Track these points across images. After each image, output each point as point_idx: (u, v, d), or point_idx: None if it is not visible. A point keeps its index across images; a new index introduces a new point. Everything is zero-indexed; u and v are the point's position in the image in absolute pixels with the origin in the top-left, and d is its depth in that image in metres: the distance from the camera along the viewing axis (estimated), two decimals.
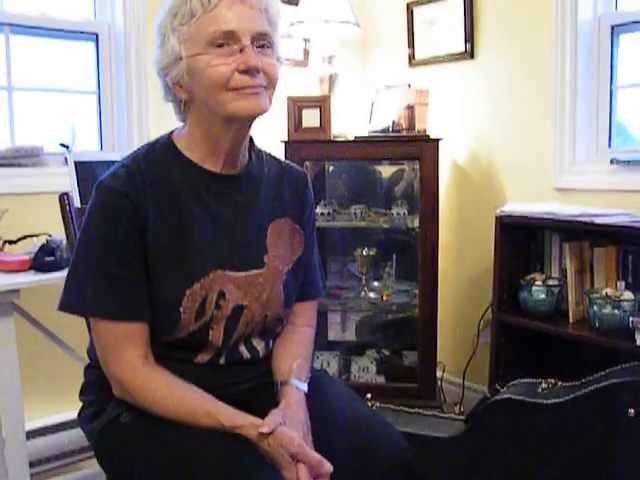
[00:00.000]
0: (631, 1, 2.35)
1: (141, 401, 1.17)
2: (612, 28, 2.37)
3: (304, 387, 1.28)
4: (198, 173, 1.24)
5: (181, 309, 1.19)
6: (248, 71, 1.13)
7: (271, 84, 1.19)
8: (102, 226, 1.17)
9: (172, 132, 1.28)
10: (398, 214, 2.64)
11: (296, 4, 2.71)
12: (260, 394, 1.29)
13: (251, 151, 1.32)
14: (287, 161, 1.44)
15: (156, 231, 1.18)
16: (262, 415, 1.15)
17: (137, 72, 2.53)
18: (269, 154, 1.40)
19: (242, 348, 1.29)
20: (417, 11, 2.91)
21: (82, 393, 1.34)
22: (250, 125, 1.23)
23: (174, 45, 1.16)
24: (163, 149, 1.25)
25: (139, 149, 1.26)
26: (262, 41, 1.16)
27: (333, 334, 2.93)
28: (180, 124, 1.28)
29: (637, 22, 2.32)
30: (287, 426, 1.14)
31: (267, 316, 1.30)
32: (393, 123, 2.58)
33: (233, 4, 1.13)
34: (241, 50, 1.13)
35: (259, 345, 1.32)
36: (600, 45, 2.39)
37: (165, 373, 1.19)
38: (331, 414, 1.26)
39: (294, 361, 1.31)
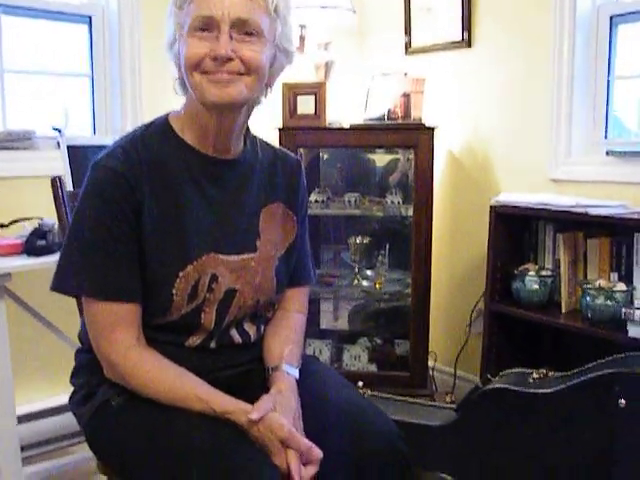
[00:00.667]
0: None
1: (133, 383, 1.17)
2: (611, 18, 2.36)
3: (295, 373, 1.28)
4: (193, 156, 1.24)
5: (173, 291, 1.18)
6: (217, 58, 1.13)
7: (250, 71, 1.17)
8: (97, 205, 1.16)
9: (169, 114, 1.28)
10: (392, 203, 2.64)
11: None
12: (251, 379, 1.29)
13: (246, 137, 1.32)
14: (281, 148, 1.44)
15: (151, 212, 1.18)
16: (253, 400, 1.16)
17: (131, 55, 2.51)
18: (263, 140, 1.40)
19: (233, 332, 1.29)
20: None
21: (73, 377, 1.33)
22: (234, 114, 1.22)
23: (171, 27, 1.20)
24: (159, 131, 1.25)
25: (135, 130, 1.26)
26: (245, 28, 1.15)
27: (325, 322, 2.93)
28: (176, 106, 1.28)
29: (636, 13, 2.30)
30: (277, 412, 1.14)
31: (259, 300, 1.30)
32: (389, 111, 2.56)
33: None
34: (217, 37, 1.14)
35: (250, 329, 1.32)
36: (599, 35, 2.38)
37: (157, 356, 1.19)
38: (323, 400, 1.25)
39: (285, 347, 1.31)
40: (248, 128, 1.33)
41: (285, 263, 1.36)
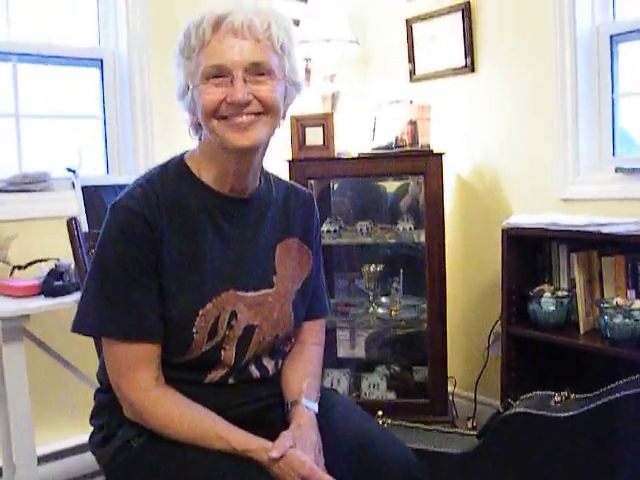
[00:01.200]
0: (628, 10, 2.35)
1: (153, 422, 1.17)
2: (611, 37, 2.38)
3: (315, 407, 1.28)
4: (210, 195, 1.25)
5: (194, 329, 1.19)
6: (233, 103, 1.16)
7: (268, 110, 1.19)
8: (118, 245, 1.17)
9: (184, 153, 1.30)
10: (404, 229, 2.64)
11: (297, 25, 2.73)
12: (270, 413, 1.29)
13: (261, 175, 1.34)
14: (293, 182, 1.46)
15: (170, 251, 1.19)
16: (273, 435, 1.16)
17: (142, 96, 2.55)
18: (276, 176, 1.41)
19: (252, 367, 1.29)
20: (417, 27, 2.93)
21: (93, 417, 1.34)
22: (253, 155, 1.24)
23: (182, 77, 1.22)
24: (176, 170, 1.27)
25: (152, 170, 1.28)
26: (258, 70, 1.18)
27: (342, 351, 2.92)
28: (188, 146, 1.31)
29: (634, 31, 2.33)
30: (298, 448, 1.14)
31: (278, 335, 1.31)
32: (396, 139, 2.58)
33: (224, 38, 1.16)
34: (232, 82, 1.16)
35: (269, 364, 1.32)
36: (600, 54, 2.40)
37: (177, 395, 1.19)
38: (341, 433, 1.25)
39: (304, 380, 1.32)
40: (262, 166, 1.35)
41: (302, 297, 1.36)
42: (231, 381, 1.25)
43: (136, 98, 2.55)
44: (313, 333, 1.43)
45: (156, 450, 1.17)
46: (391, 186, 2.95)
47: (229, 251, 1.26)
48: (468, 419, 2.60)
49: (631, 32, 2.34)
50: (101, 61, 2.57)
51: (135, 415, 1.19)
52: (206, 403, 1.19)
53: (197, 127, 1.27)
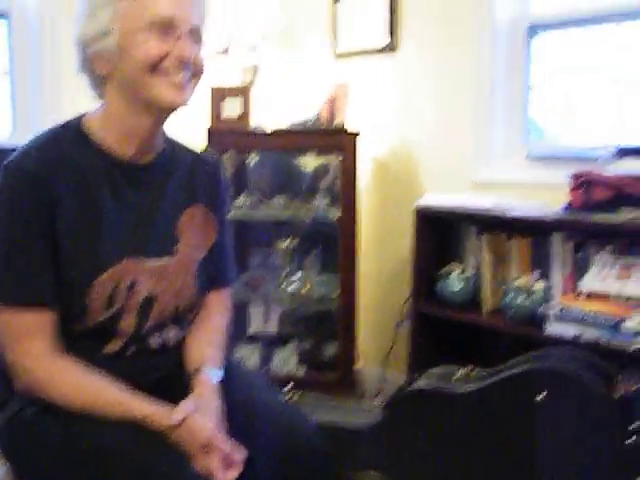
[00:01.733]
0: (544, 4, 2.42)
1: (50, 392, 1.13)
2: (527, 29, 2.44)
3: (218, 375, 1.27)
4: (110, 160, 1.21)
5: (90, 297, 1.15)
6: (181, 61, 1.14)
7: (198, 74, 1.20)
8: (10, 207, 1.12)
9: (83, 115, 1.25)
10: (320, 206, 2.65)
11: None
12: (173, 384, 1.26)
13: (164, 140, 1.31)
14: (199, 150, 1.42)
15: (66, 214, 1.14)
16: (176, 405, 1.14)
17: (52, 53, 2.43)
18: (180, 143, 1.38)
19: (153, 337, 1.26)
20: (341, 3, 2.92)
21: None
22: (169, 115, 1.22)
23: (106, 18, 1.14)
24: (73, 133, 1.21)
25: (49, 130, 1.22)
26: (197, 34, 1.18)
27: (255, 327, 2.91)
28: (93, 107, 1.25)
29: (550, 25, 2.40)
30: (199, 415, 1.13)
31: (180, 305, 1.28)
32: (315, 116, 2.58)
33: None
34: (178, 38, 1.14)
35: (171, 333, 1.30)
36: (516, 44, 2.46)
37: (75, 363, 1.15)
38: (246, 402, 1.25)
39: (207, 349, 1.30)
40: (164, 131, 1.31)
41: (206, 266, 1.34)
42: (132, 351, 1.22)
43: (45, 54, 2.44)
44: (218, 303, 1.41)
45: (51, 419, 1.14)
46: (310, 163, 2.94)
47: (129, 217, 1.22)
48: (377, 394, 2.65)
49: (546, 25, 2.41)
50: (8, 14, 2.44)
51: (30, 385, 1.15)
52: (106, 374, 1.16)
53: (100, 82, 1.20)
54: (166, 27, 1.13)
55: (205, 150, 1.45)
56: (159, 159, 1.28)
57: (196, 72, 1.19)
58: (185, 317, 1.33)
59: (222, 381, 1.27)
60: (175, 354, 1.30)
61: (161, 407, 1.12)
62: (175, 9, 1.13)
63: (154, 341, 1.26)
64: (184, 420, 1.10)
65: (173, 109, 1.19)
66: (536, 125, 2.51)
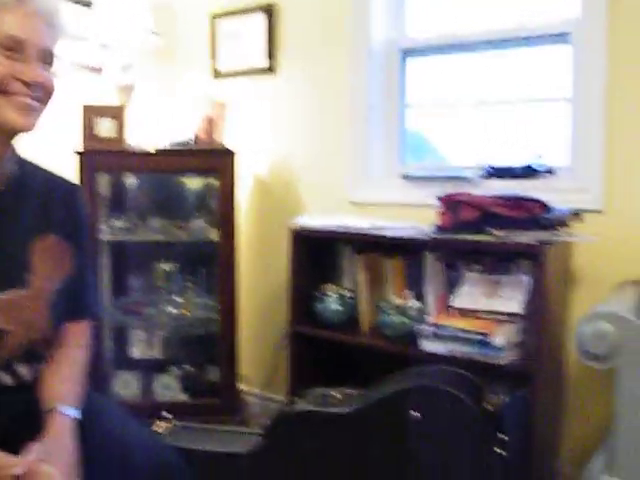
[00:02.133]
0: (420, 28, 2.51)
1: None
2: (401, 52, 2.52)
3: (75, 413, 1.21)
4: None
5: None
6: (28, 83, 1.11)
7: (46, 99, 1.17)
8: None
9: None
10: (199, 227, 2.61)
11: (88, 5, 2.58)
12: (27, 423, 1.18)
13: (15, 163, 1.24)
14: (56, 174, 1.36)
15: None
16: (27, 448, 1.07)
17: None
18: (36, 165, 1.32)
19: (4, 374, 1.19)
20: (221, 23, 2.90)
21: None
22: (13, 138, 1.18)
23: None
24: None
25: None
26: (48, 58, 1.16)
27: (137, 352, 2.82)
28: None
29: (422, 49, 2.49)
30: (49, 460, 1.07)
31: (33, 339, 1.22)
32: (194, 136, 2.54)
33: (27, 15, 1.11)
34: (26, 59, 1.11)
35: (24, 369, 1.23)
36: (391, 67, 2.54)
37: None
38: (100, 441, 1.20)
39: (62, 386, 1.24)
40: (16, 152, 1.25)
41: (62, 297, 1.28)
42: None
43: None
44: (76, 335, 1.34)
45: None
46: (190, 183, 2.89)
47: None
48: (260, 419, 2.61)
49: (419, 49, 2.50)
50: None
51: None
52: None
53: None
54: (14, 47, 1.10)
55: (77, 172, 1.40)
56: (10, 184, 1.21)
57: (45, 95, 1.16)
58: (40, 351, 1.26)
59: (83, 419, 1.21)
60: (30, 391, 1.23)
61: (4, 457, 1.05)
62: (25, 30, 1.10)
63: (5, 378, 1.19)
64: (30, 470, 1.04)
65: (17, 132, 1.14)
66: (428, 145, 2.59)
